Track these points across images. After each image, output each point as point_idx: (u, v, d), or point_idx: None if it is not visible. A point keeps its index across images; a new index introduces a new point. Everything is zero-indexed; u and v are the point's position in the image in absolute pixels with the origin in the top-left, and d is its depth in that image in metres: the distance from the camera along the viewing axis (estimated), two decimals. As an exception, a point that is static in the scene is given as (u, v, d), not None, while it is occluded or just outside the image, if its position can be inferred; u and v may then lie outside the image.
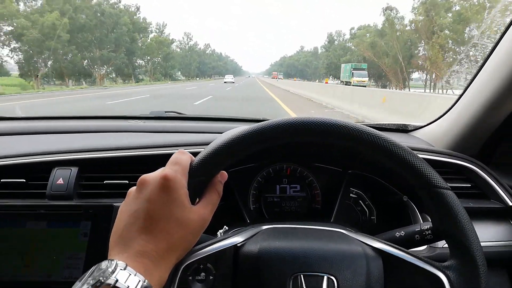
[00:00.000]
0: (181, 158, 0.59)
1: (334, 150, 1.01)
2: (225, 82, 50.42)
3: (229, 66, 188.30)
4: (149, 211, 0.52)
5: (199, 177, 0.59)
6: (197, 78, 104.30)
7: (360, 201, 1.06)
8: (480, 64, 1.05)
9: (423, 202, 0.62)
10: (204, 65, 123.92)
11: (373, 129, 0.61)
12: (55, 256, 0.78)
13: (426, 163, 0.60)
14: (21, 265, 0.77)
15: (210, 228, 0.68)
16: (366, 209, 1.06)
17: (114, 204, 0.83)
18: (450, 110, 1.17)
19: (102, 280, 0.44)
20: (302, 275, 0.57)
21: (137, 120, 1.41)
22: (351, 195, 1.06)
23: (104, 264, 0.47)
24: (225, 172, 0.64)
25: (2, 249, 0.79)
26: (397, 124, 1.41)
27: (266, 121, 0.62)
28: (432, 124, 1.24)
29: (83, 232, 0.80)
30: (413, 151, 0.60)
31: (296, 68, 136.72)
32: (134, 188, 0.56)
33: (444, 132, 1.13)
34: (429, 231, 0.68)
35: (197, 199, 0.60)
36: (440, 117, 1.22)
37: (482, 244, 0.58)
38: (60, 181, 0.86)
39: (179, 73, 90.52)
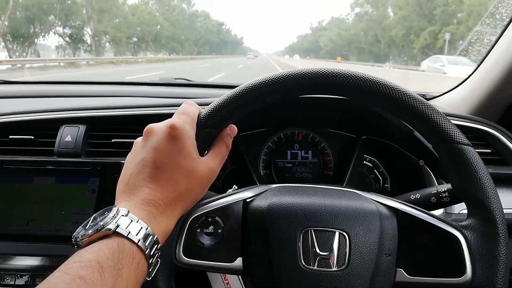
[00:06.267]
0: (190, 109, 0.58)
1: (347, 113, 0.97)
2: None
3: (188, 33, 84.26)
4: (155, 159, 0.50)
5: (208, 128, 0.58)
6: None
7: (373, 169, 1.03)
8: (502, 29, 1.01)
9: (442, 160, 0.59)
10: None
11: (392, 82, 0.59)
12: (63, 211, 0.78)
13: (447, 119, 0.57)
14: (30, 218, 0.77)
15: (220, 191, 0.67)
16: (379, 177, 1.03)
17: (122, 161, 0.82)
18: (470, 78, 1.12)
19: (103, 225, 0.43)
20: (312, 230, 0.55)
21: (146, 86, 1.39)
22: (364, 162, 1.03)
23: (106, 210, 0.45)
24: (234, 125, 0.62)
25: (11, 203, 0.79)
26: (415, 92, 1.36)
27: (278, 72, 0.59)
28: (451, 92, 1.19)
29: (91, 188, 0.79)
30: (433, 106, 0.58)
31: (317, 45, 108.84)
32: (140, 138, 0.55)
33: (464, 99, 1.09)
34: (446, 193, 0.65)
35: (206, 152, 0.58)
36: (459, 85, 1.17)
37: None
38: (68, 138, 0.85)
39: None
